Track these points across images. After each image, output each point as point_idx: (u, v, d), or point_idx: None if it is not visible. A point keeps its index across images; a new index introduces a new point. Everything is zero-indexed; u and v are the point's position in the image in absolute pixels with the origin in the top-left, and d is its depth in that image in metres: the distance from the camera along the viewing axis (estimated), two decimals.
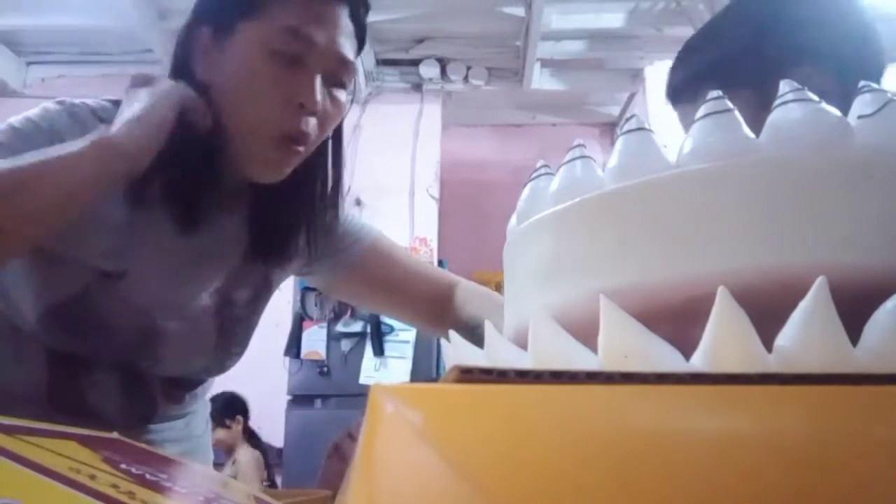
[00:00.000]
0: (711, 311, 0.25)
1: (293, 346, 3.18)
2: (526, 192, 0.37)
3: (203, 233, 0.74)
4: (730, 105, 0.30)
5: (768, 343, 0.24)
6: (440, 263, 3.46)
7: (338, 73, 0.69)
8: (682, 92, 0.80)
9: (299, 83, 0.66)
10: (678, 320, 0.27)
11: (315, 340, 3.19)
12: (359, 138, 3.87)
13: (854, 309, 0.23)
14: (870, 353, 0.23)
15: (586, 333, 0.28)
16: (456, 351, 0.34)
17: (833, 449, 0.18)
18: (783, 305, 0.24)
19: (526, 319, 0.30)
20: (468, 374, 0.22)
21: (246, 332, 0.81)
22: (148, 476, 0.37)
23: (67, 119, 0.67)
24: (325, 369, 3.16)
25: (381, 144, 3.91)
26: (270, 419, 3.28)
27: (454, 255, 3.71)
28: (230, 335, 0.78)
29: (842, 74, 0.66)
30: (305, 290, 3.16)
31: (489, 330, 0.33)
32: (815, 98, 0.30)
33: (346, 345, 3.18)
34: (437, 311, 0.86)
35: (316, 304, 3.18)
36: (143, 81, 0.67)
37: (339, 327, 3.19)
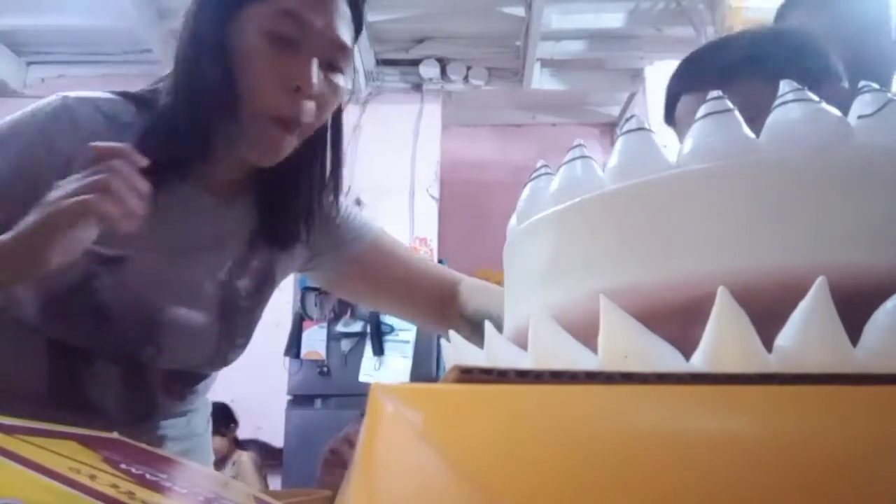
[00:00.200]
0: (711, 311, 0.25)
1: (293, 346, 3.18)
2: (526, 192, 0.37)
3: (205, 219, 0.75)
4: (730, 105, 0.30)
5: (768, 343, 0.24)
6: (440, 263, 3.45)
7: (335, 58, 0.70)
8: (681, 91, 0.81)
9: (296, 66, 0.67)
10: (678, 320, 0.27)
11: (315, 340, 3.19)
12: (359, 138, 3.87)
13: (854, 309, 0.23)
14: (870, 353, 0.23)
15: (586, 333, 0.28)
16: (456, 351, 0.34)
17: (833, 449, 0.18)
18: (783, 305, 0.24)
19: (526, 319, 0.30)
20: (468, 374, 0.22)
21: (249, 323, 0.81)
22: (148, 476, 0.37)
23: (62, 116, 0.68)
24: (325, 369, 3.16)
25: (381, 144, 3.91)
26: (270, 419, 3.28)
27: (454, 255, 3.71)
28: (233, 325, 0.78)
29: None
30: (305, 290, 3.16)
31: (489, 330, 0.33)
32: (815, 98, 0.30)
33: (346, 345, 3.18)
34: (441, 308, 0.86)
35: (316, 304, 3.18)
36: (99, 156, 0.59)
37: (339, 327, 3.19)
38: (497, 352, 0.32)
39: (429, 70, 4.02)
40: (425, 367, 3.09)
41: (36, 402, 0.70)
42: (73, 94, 0.71)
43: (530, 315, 0.30)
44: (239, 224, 0.78)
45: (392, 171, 3.94)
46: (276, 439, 3.28)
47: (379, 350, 3.13)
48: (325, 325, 3.19)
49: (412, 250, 0.96)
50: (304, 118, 0.69)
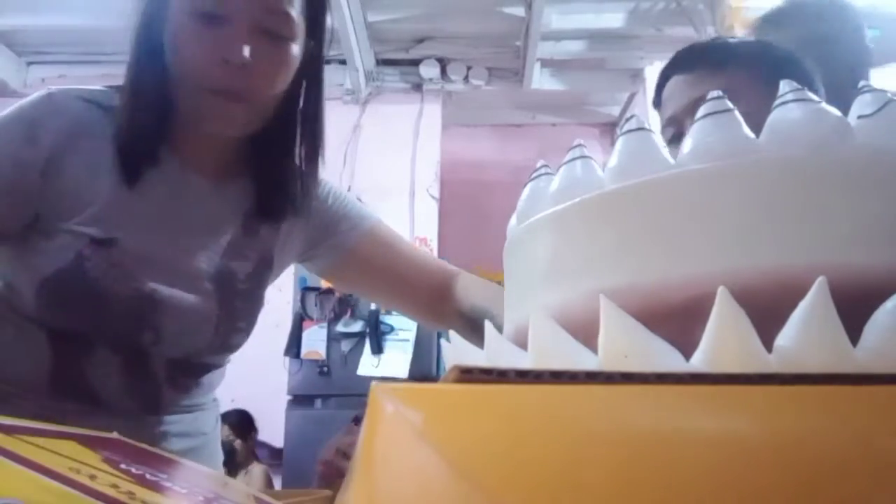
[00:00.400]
0: (711, 311, 0.25)
1: (293, 346, 3.18)
2: (526, 192, 0.37)
3: (198, 202, 0.76)
4: (730, 105, 0.30)
5: (768, 343, 0.24)
6: None
7: (270, 25, 0.70)
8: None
9: (222, 38, 0.68)
10: (678, 320, 0.27)
11: (315, 340, 3.19)
12: (359, 138, 3.87)
13: (854, 309, 0.23)
14: (870, 353, 0.23)
15: (586, 333, 0.28)
16: (456, 351, 0.34)
17: (833, 449, 0.18)
18: (783, 305, 0.24)
19: (526, 319, 0.30)
20: (468, 374, 0.22)
21: (249, 307, 0.81)
22: (148, 476, 0.37)
23: (44, 103, 0.71)
24: (325, 369, 3.16)
25: (381, 144, 3.91)
26: (270, 419, 3.27)
27: (454, 254, 3.70)
28: (233, 308, 0.79)
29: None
30: (305, 291, 3.16)
31: (489, 330, 0.33)
32: (815, 98, 0.30)
33: (346, 345, 3.17)
34: (438, 301, 0.86)
35: (316, 304, 3.18)
36: None
37: (339, 327, 3.18)
38: (497, 352, 0.32)
39: (429, 70, 4.02)
40: (425, 367, 3.09)
41: (40, 394, 0.71)
42: (56, 87, 0.74)
43: (530, 315, 0.30)
44: (234, 206, 0.79)
45: (392, 171, 3.94)
46: (276, 439, 3.28)
47: (378, 349, 3.13)
48: (325, 325, 3.19)
49: (410, 243, 0.97)
50: (243, 87, 0.70)
